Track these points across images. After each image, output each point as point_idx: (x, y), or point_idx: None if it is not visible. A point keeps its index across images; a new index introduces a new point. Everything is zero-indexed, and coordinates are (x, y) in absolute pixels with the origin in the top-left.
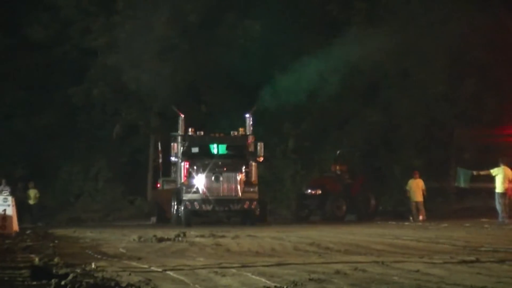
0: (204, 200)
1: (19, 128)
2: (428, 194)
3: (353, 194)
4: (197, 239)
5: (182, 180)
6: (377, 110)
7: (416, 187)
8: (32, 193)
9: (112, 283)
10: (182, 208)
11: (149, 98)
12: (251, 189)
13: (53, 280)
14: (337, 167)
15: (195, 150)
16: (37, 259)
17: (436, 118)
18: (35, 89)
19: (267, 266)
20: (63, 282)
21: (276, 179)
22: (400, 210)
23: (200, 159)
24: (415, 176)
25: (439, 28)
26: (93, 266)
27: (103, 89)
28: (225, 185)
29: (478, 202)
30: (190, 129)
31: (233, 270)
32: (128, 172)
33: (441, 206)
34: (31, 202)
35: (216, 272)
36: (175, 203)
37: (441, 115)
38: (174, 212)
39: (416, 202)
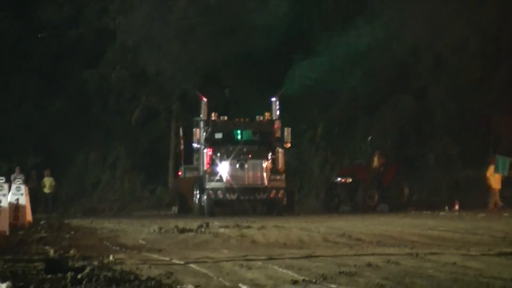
0: (228, 189)
1: (31, 115)
2: (465, 183)
3: (385, 183)
4: (221, 230)
5: (205, 168)
6: (409, 96)
7: (498, 175)
8: (48, 181)
9: (131, 277)
10: (205, 197)
11: (170, 82)
12: (278, 177)
13: (69, 274)
14: (376, 160)
15: (218, 136)
16: (52, 251)
17: (470, 105)
18: (48, 74)
19: (295, 258)
20: (79, 276)
21: (304, 167)
22: (434, 200)
23: (223, 145)
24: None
25: (473, 11)
26: (111, 258)
27: (121, 73)
28: (250, 173)
29: None
30: (213, 114)
31: (259, 263)
32: (148, 160)
33: (479, 195)
34: (46, 191)
35: (241, 265)
36: (198, 192)
37: (475, 102)
38: (197, 201)
39: (497, 190)
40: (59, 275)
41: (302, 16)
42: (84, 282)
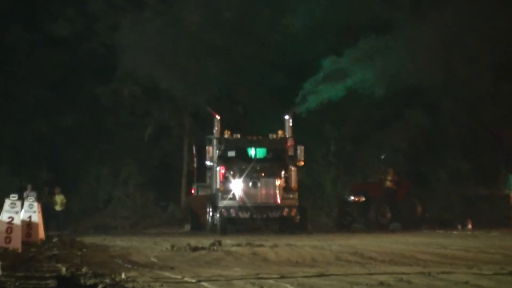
0: (241, 207)
1: (43, 129)
2: (478, 200)
3: (397, 201)
4: (233, 248)
5: (218, 186)
6: (421, 111)
7: None
8: (59, 199)
9: None
10: (218, 215)
11: (182, 98)
12: (291, 196)
13: None
14: (389, 177)
15: (231, 153)
16: (64, 269)
17: (483, 120)
18: (60, 88)
19: (307, 277)
20: None
21: (316, 184)
22: (446, 217)
23: (236, 163)
24: None
25: (484, 25)
26: (123, 276)
27: (133, 88)
28: (263, 191)
29: None
30: (226, 131)
31: (271, 281)
32: (160, 177)
33: (491, 213)
34: (57, 208)
35: (253, 283)
36: (210, 210)
37: (488, 117)
38: (209, 219)
39: None
40: None
41: (316, 33)
42: None
